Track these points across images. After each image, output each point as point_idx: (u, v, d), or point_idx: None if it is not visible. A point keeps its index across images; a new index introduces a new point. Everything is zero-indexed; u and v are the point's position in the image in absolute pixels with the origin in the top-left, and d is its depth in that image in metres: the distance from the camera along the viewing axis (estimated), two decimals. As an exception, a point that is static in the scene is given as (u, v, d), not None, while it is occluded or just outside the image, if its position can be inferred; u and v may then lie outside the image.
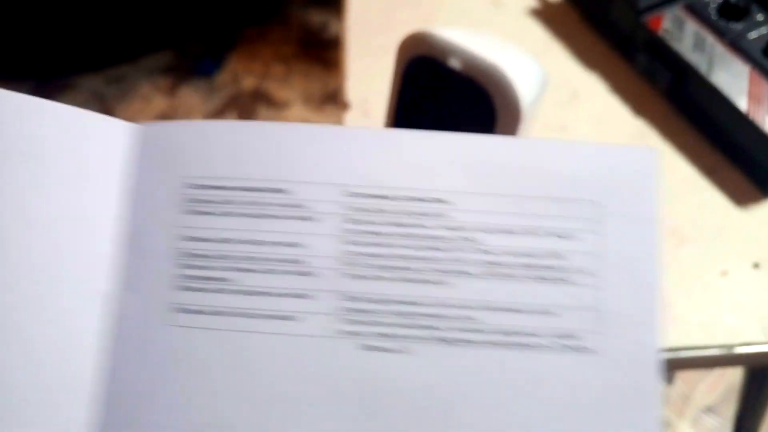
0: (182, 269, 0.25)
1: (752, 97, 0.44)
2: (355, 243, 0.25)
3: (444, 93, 0.30)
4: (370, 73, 0.52)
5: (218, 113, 1.41)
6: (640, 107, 0.49)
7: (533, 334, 0.25)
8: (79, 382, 0.24)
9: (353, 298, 0.25)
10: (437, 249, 0.25)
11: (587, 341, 0.25)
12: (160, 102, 1.44)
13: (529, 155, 0.26)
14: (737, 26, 0.47)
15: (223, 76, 1.47)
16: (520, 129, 0.29)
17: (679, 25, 0.48)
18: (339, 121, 0.51)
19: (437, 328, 0.25)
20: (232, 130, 0.26)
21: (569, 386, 0.24)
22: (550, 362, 0.25)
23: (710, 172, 0.46)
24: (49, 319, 0.24)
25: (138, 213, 0.25)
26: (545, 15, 0.56)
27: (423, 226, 0.25)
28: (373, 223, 0.25)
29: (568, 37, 0.55)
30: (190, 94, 1.45)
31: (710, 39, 0.47)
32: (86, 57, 1.48)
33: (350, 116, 0.50)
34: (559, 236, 0.25)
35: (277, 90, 1.44)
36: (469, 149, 0.26)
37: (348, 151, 0.26)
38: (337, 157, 0.26)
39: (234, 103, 1.43)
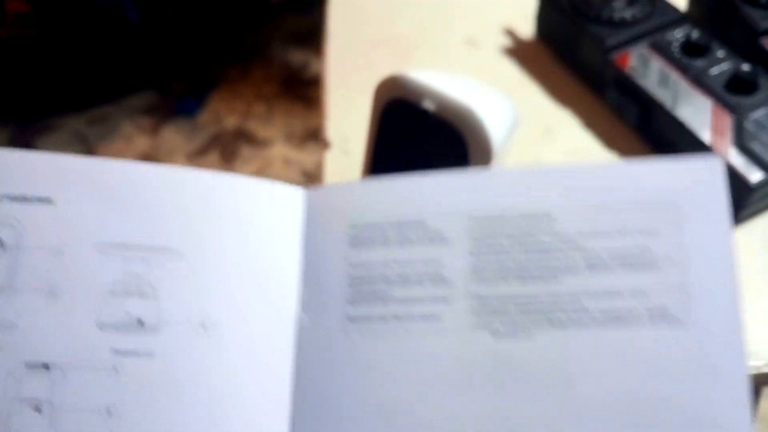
0: (352, 288, 0.32)
1: (715, 129, 0.45)
2: (480, 255, 0.31)
3: (419, 133, 0.32)
4: (350, 111, 0.53)
5: (201, 152, 1.42)
6: (611, 141, 0.51)
7: (631, 312, 0.30)
8: (276, 391, 0.31)
9: (483, 298, 0.31)
10: (546, 252, 0.31)
11: (676, 314, 0.29)
12: (142, 142, 1.45)
13: (613, 173, 0.32)
14: (700, 62, 0.49)
15: (206, 116, 1.48)
16: (492, 166, 0.31)
17: (645, 62, 0.50)
18: (320, 159, 0.52)
19: (552, 315, 0.30)
20: (379, 184, 0.34)
21: (664, 354, 0.29)
22: (646, 334, 0.29)
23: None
24: (250, 336, 0.31)
25: (313, 252, 0.33)
26: (519, 54, 0.58)
27: (535, 236, 0.31)
28: (494, 237, 0.31)
29: (541, 74, 0.57)
30: (172, 134, 1.46)
31: (674, 75, 0.49)
32: (68, 97, 1.49)
33: (331, 155, 0.51)
34: (645, 233, 0.30)
35: (259, 128, 1.45)
36: (566, 174, 0.32)
37: (469, 187, 0.32)
38: (461, 192, 0.32)
39: (216, 142, 1.44)
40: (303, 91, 1.51)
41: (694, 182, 0.31)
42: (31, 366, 0.29)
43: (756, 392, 0.52)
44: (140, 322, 0.30)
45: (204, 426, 0.29)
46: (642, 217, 0.31)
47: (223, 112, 1.49)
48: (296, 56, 1.57)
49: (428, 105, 0.31)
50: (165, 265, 0.31)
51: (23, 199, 0.31)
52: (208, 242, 0.32)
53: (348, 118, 0.53)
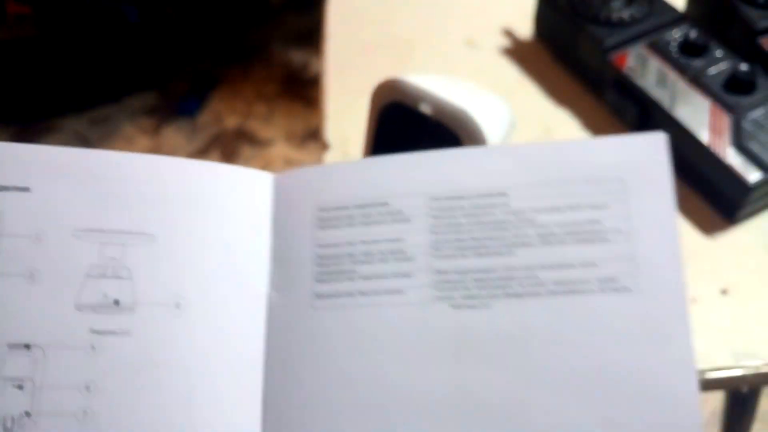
0: (320, 267, 0.33)
1: (713, 129, 0.45)
2: (440, 233, 0.33)
3: (416, 136, 0.32)
4: (349, 112, 0.53)
5: (202, 153, 1.42)
6: (609, 141, 0.51)
7: (582, 282, 0.31)
8: (248, 367, 0.32)
9: (443, 272, 0.32)
10: (503, 229, 0.33)
11: (625, 283, 0.31)
12: (143, 143, 1.45)
13: (564, 151, 0.33)
14: (698, 62, 0.49)
15: (206, 116, 1.49)
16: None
17: (643, 62, 0.50)
18: (320, 160, 0.52)
19: (508, 287, 0.32)
20: (344, 168, 0.36)
21: (615, 320, 0.31)
22: (597, 303, 0.31)
23: (677, 202, 0.47)
24: (223, 314, 0.33)
25: (282, 233, 0.35)
26: (517, 55, 0.59)
27: (492, 213, 0.33)
28: (452, 216, 0.33)
29: (540, 75, 0.57)
30: (173, 135, 1.46)
31: (672, 75, 0.49)
32: (69, 98, 1.49)
33: (330, 156, 0.52)
34: (595, 207, 0.32)
35: (260, 128, 1.46)
36: (519, 153, 0.33)
37: (429, 169, 0.34)
38: (421, 174, 0.34)
39: (217, 142, 1.44)
40: (304, 91, 1.51)
41: (640, 158, 0.33)
42: (13, 346, 0.30)
43: (755, 392, 0.52)
44: (116, 303, 0.31)
45: (178, 400, 0.31)
46: (591, 191, 0.32)
47: (223, 113, 1.49)
48: (297, 56, 1.57)
49: (425, 108, 0.31)
50: (140, 249, 0.32)
51: (1, 188, 0.32)
52: (182, 226, 0.33)
53: (347, 119, 0.53)
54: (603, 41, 0.51)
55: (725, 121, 0.46)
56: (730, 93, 0.47)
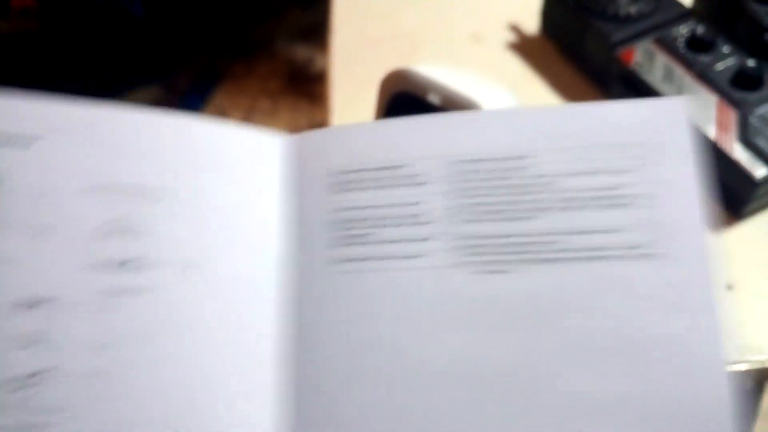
0: (335, 232, 0.33)
1: (720, 125, 0.45)
2: (458, 197, 0.32)
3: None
4: (354, 107, 0.53)
5: (205, 147, 1.42)
6: (615, 136, 0.51)
7: (608, 248, 0.31)
8: (259, 327, 0.32)
9: (463, 237, 0.32)
10: (525, 193, 0.32)
11: (651, 248, 0.30)
12: (147, 137, 1.45)
13: (585, 114, 0.33)
14: (705, 58, 0.49)
15: (210, 111, 1.49)
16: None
17: (650, 57, 0.50)
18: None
19: (530, 252, 0.31)
20: (358, 130, 0.35)
21: (640, 287, 0.30)
22: (623, 269, 0.30)
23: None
24: (235, 277, 0.32)
25: (295, 197, 0.34)
26: (524, 49, 0.58)
27: (511, 177, 0.32)
28: (471, 180, 0.32)
29: (546, 70, 0.57)
30: (177, 129, 1.46)
31: (679, 70, 0.49)
32: (72, 92, 1.49)
33: (336, 149, 0.52)
34: (617, 172, 0.32)
35: (264, 124, 1.46)
36: (539, 116, 0.33)
37: (447, 132, 0.33)
38: (439, 137, 0.33)
39: (221, 137, 1.44)
40: (308, 86, 1.51)
41: (661, 122, 0.32)
42: (23, 304, 0.29)
43: (760, 387, 0.52)
44: (128, 261, 0.31)
45: (192, 359, 0.30)
46: (613, 156, 0.32)
47: (227, 107, 1.49)
48: (301, 51, 1.57)
49: (433, 99, 0.31)
50: (150, 207, 0.32)
51: (6, 141, 0.31)
52: (192, 184, 0.32)
53: (352, 114, 0.53)
54: (610, 36, 0.51)
55: (732, 116, 0.46)
56: (737, 89, 0.47)
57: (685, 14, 0.52)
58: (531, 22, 0.59)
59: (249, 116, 1.47)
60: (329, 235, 0.33)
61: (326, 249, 0.33)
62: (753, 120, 0.45)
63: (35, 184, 0.31)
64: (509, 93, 0.34)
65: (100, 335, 0.30)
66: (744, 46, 0.49)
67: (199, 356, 0.30)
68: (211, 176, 0.33)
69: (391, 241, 0.32)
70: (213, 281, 0.31)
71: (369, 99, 0.39)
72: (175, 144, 0.33)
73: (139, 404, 0.29)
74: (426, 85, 0.32)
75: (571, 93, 0.54)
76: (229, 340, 0.31)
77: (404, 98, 0.33)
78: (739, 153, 0.44)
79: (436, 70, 0.32)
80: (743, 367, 0.40)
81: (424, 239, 0.32)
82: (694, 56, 0.49)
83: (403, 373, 0.30)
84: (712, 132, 0.45)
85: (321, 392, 0.31)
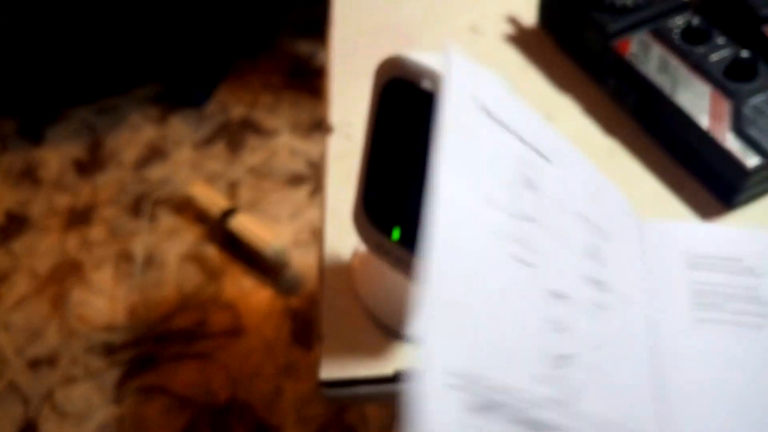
0: (695, 298, 0.41)
1: (713, 115, 0.46)
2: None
3: (418, 113, 0.32)
4: (353, 97, 0.54)
5: (207, 142, 1.43)
6: (610, 127, 0.52)
7: None
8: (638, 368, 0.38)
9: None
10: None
11: None
12: (149, 131, 1.46)
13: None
14: (700, 49, 0.49)
15: (212, 106, 1.49)
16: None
17: (645, 48, 0.50)
18: (324, 146, 0.53)
19: None
20: (707, 226, 0.45)
21: None
22: None
23: (677, 187, 0.48)
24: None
25: (656, 269, 0.42)
26: (521, 41, 0.59)
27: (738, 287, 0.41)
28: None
29: (543, 61, 0.57)
30: (179, 124, 1.47)
31: (674, 61, 0.49)
32: (77, 88, 1.50)
33: (333, 139, 0.52)
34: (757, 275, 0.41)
35: (266, 118, 1.46)
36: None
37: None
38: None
39: (223, 132, 1.45)
40: (310, 81, 1.51)
41: None
42: (553, 294, 0.33)
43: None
44: (599, 281, 0.36)
45: (624, 372, 0.36)
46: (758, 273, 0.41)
47: (230, 102, 1.50)
48: (303, 47, 1.58)
49: (427, 84, 0.32)
50: (607, 245, 0.39)
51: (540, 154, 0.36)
52: (621, 236, 0.41)
53: (351, 104, 0.54)
54: (606, 28, 0.51)
55: (725, 106, 0.46)
56: (731, 79, 0.47)
57: (681, 6, 0.52)
58: (528, 14, 0.60)
59: (251, 111, 1.47)
60: (692, 300, 0.40)
61: (690, 310, 0.40)
62: (746, 110, 0.45)
63: (557, 196, 0.35)
64: (502, 78, 0.34)
65: (596, 336, 0.35)
66: (739, 38, 0.49)
67: (622, 370, 0.37)
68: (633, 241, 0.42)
69: (739, 313, 0.40)
70: (621, 316, 0.38)
71: (367, 89, 0.39)
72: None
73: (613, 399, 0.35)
74: (420, 71, 0.32)
75: (566, 84, 0.55)
76: (629, 361, 0.37)
77: (398, 84, 0.33)
78: (732, 143, 0.44)
79: (431, 56, 0.33)
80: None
81: (763, 316, 0.40)
82: (689, 47, 0.49)
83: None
84: (705, 122, 0.46)
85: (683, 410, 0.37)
